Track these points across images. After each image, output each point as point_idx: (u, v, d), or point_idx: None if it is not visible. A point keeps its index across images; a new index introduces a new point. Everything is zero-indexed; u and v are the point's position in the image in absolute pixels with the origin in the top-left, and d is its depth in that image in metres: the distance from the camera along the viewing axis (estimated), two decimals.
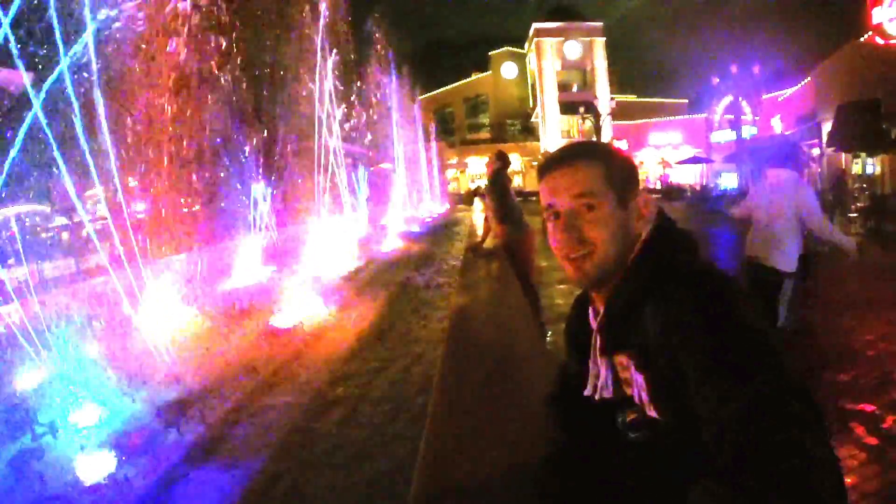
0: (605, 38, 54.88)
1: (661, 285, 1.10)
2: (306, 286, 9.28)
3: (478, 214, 27.72)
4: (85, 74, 5.81)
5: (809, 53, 29.38)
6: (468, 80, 63.18)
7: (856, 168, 23.56)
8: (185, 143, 7.86)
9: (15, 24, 5.04)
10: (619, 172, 1.23)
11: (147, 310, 6.78)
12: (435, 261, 13.27)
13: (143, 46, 7.11)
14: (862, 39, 23.06)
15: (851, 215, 17.34)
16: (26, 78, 5.14)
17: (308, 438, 4.47)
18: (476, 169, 58.66)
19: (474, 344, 4.23)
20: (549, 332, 6.08)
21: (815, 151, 25.84)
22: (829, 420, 4.28)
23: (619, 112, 48.66)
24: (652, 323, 1.09)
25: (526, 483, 1.57)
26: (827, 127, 24.13)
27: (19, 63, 5.06)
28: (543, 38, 54.05)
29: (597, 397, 1.30)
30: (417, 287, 10.10)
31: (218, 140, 9.06)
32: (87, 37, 5.68)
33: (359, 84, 20.65)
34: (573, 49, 54.29)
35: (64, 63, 5.52)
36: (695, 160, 40.65)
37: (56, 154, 5.39)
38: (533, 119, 57.41)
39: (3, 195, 5.15)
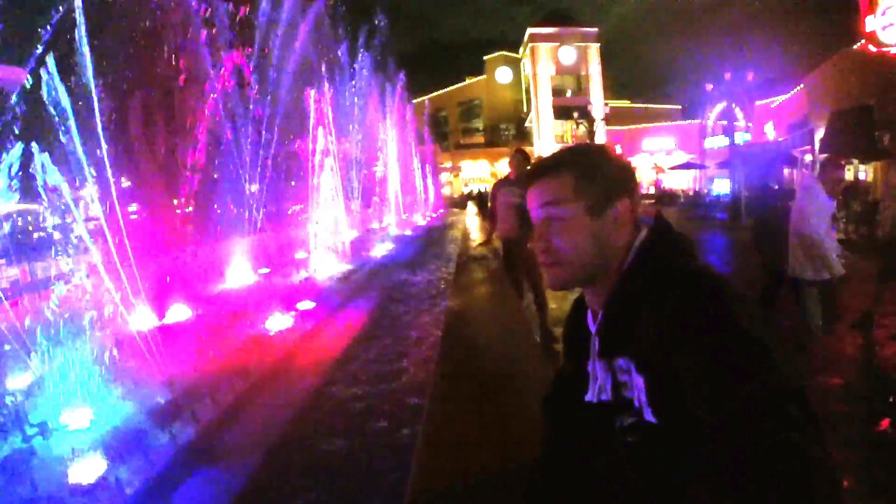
0: (599, 44, 55.05)
1: (658, 288, 1.10)
2: (299, 288, 9.26)
3: (471, 218, 27.80)
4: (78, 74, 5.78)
5: (802, 60, 29.54)
6: (462, 83, 63.21)
7: (848, 175, 23.69)
8: (177, 143, 7.82)
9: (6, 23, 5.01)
10: (593, 181, 1.23)
11: (139, 310, 6.75)
12: (428, 263, 13.29)
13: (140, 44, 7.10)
14: (855, 47, 23.16)
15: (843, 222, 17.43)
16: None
17: (300, 440, 4.46)
18: (470, 173, 58.72)
19: (469, 346, 4.23)
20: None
21: (808, 158, 26.00)
22: (823, 422, 4.30)
23: (613, 117, 48.78)
24: (649, 325, 1.08)
25: (520, 485, 1.57)
26: (819, 134, 24.27)
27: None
28: (538, 43, 54.13)
29: (596, 401, 1.30)
30: (411, 289, 10.11)
31: (215, 141, 9.01)
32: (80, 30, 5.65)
33: (353, 87, 20.68)
34: (568, 54, 54.39)
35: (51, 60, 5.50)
36: (688, 166, 40.80)
37: (45, 154, 5.37)
38: (527, 124, 57.46)
39: None
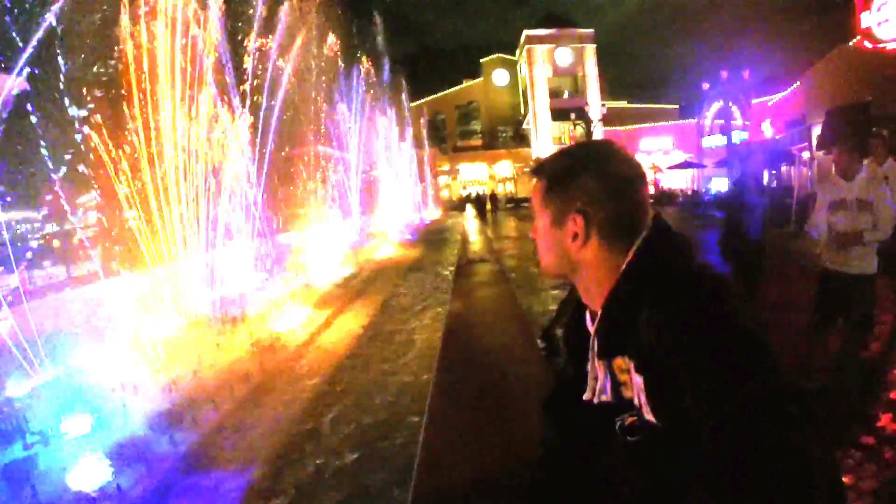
0: (595, 45, 55.13)
1: (657, 288, 1.10)
2: (299, 293, 9.26)
3: (470, 221, 27.81)
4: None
5: (799, 58, 29.67)
6: (460, 87, 63.25)
7: None
8: (177, 149, 7.82)
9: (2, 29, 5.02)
10: (556, 192, 1.24)
11: (138, 317, 6.75)
12: (428, 267, 13.29)
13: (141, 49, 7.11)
14: (851, 43, 23.25)
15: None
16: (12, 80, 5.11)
17: (301, 446, 4.45)
18: (468, 176, 58.70)
19: (469, 349, 4.23)
20: None
21: (806, 155, 26.02)
22: (824, 421, 4.29)
23: (611, 118, 48.88)
24: (649, 326, 1.08)
25: (520, 486, 1.57)
26: (817, 130, 24.31)
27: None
28: (534, 45, 54.20)
29: (595, 401, 1.29)
30: (410, 293, 10.10)
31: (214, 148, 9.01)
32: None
33: (352, 92, 20.68)
34: (564, 56, 54.47)
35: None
36: (686, 165, 40.88)
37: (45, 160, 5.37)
38: (524, 126, 57.48)
39: None
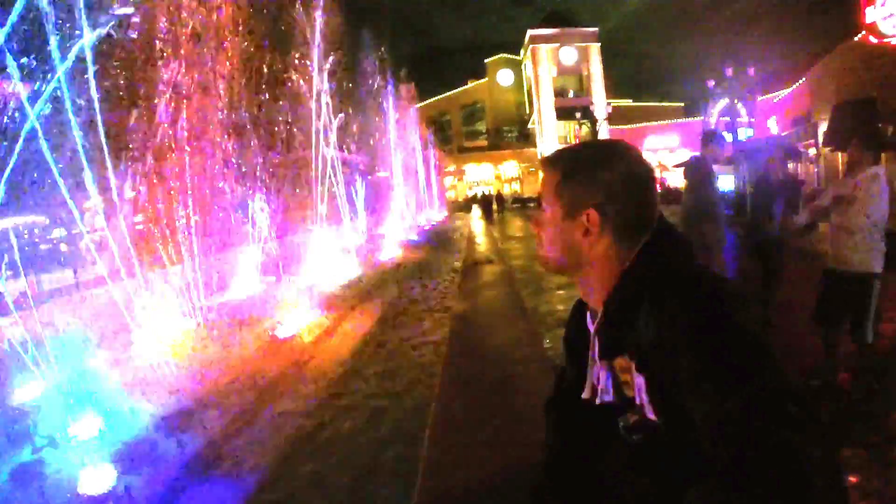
0: (599, 44, 55.09)
1: (658, 289, 1.10)
2: (306, 296, 9.27)
3: (476, 222, 27.81)
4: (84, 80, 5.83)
5: (804, 54, 29.53)
6: (465, 87, 63.37)
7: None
8: (184, 152, 7.86)
9: (11, 34, 5.05)
10: (572, 184, 1.23)
11: (146, 321, 6.78)
12: (434, 269, 13.29)
13: (143, 56, 7.15)
14: (856, 39, 23.15)
15: None
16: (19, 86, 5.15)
17: (309, 450, 4.46)
18: (474, 176, 58.76)
19: (474, 352, 4.23)
20: None
21: (812, 151, 25.91)
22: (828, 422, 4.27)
23: (616, 117, 48.82)
24: (649, 325, 1.08)
25: (524, 488, 1.57)
26: (823, 127, 24.20)
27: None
28: (539, 44, 54.25)
29: (597, 401, 1.29)
30: (417, 295, 10.10)
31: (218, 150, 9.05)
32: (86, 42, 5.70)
33: (356, 92, 20.71)
34: (569, 55, 54.49)
35: (61, 69, 5.54)
36: None
37: (53, 165, 5.41)
38: (530, 125, 57.55)
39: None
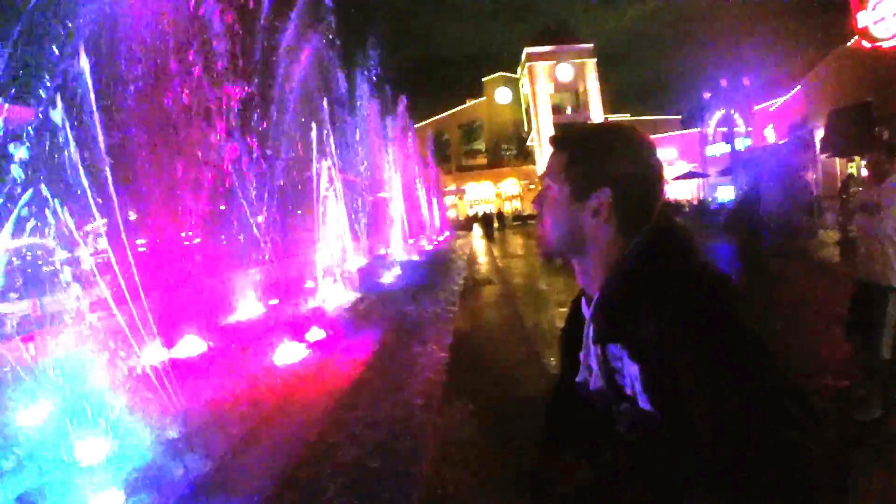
0: (595, 59, 55.50)
1: (658, 285, 1.10)
2: (308, 318, 9.25)
3: (477, 241, 27.82)
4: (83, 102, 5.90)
5: (798, 61, 29.66)
6: (463, 106, 63.75)
7: (851, 170, 23.61)
8: (184, 173, 7.91)
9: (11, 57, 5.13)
10: (581, 165, 1.24)
11: (150, 344, 6.77)
12: (436, 290, 13.23)
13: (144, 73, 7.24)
14: (849, 44, 23.29)
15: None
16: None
17: (312, 472, 4.42)
18: (474, 195, 58.92)
19: (476, 371, 4.22)
20: None
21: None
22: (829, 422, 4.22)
23: None
24: (648, 320, 1.08)
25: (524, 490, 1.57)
26: (820, 133, 24.29)
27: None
28: (535, 62, 54.65)
29: (591, 386, 1.29)
30: (418, 316, 10.05)
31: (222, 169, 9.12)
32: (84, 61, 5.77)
33: (356, 115, 20.89)
34: (565, 71, 54.87)
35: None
36: (690, 175, 40.84)
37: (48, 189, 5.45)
38: (528, 143, 57.79)
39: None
